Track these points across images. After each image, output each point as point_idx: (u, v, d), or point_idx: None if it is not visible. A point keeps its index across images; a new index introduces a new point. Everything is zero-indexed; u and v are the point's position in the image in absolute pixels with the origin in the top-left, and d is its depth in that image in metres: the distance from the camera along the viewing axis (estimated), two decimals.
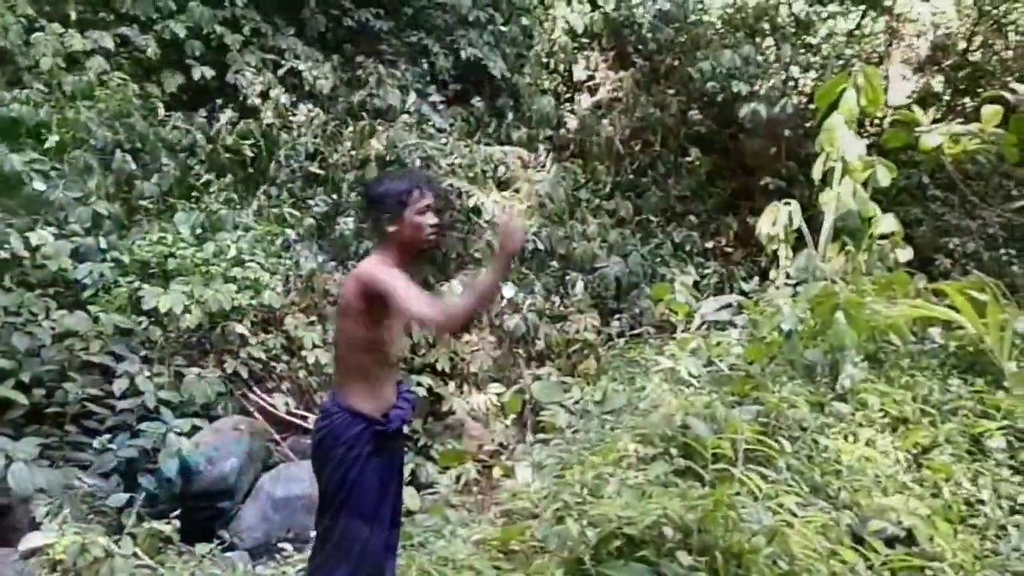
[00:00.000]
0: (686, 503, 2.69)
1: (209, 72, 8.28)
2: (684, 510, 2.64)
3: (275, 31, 9.10)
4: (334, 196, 8.06)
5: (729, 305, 6.13)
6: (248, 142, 7.97)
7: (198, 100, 8.49)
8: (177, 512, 4.56)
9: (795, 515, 3.00)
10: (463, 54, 9.96)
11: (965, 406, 4.43)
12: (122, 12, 8.12)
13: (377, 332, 2.76)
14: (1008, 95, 5.27)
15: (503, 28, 10.57)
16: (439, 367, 7.51)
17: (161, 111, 7.87)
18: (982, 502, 3.86)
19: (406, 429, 6.45)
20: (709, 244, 10.75)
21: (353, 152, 8.37)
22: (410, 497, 5.35)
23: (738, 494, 3.02)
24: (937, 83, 12.62)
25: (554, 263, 9.14)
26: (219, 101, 8.42)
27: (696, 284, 8.19)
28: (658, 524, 2.59)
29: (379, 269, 2.73)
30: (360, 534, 2.75)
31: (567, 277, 9.06)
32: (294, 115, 8.69)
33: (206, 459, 5.30)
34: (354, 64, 9.53)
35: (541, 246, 8.87)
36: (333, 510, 2.80)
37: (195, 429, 5.37)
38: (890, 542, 3.27)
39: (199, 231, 6.79)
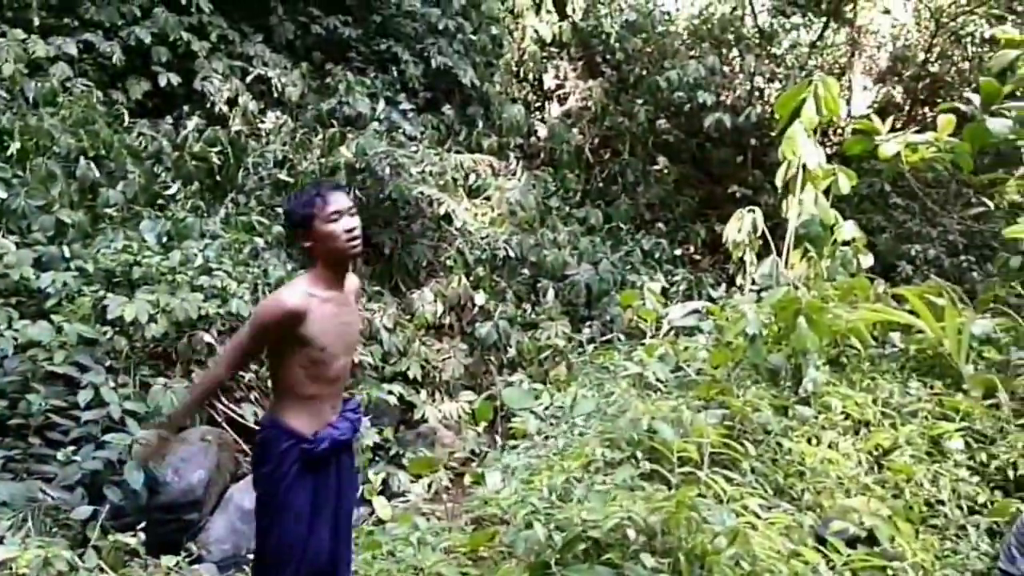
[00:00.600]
0: (650, 506, 2.73)
1: (176, 79, 8.21)
2: (648, 513, 2.68)
3: (243, 38, 9.06)
4: None
5: (696, 311, 6.21)
6: (215, 149, 7.90)
7: (164, 107, 8.42)
8: (143, 524, 4.51)
9: (759, 517, 3.04)
10: (433, 62, 9.99)
11: (924, 408, 4.52)
12: (86, 18, 8.03)
13: (304, 352, 2.66)
14: (962, 105, 5.41)
15: (473, 37, 10.62)
16: (411, 375, 7.49)
17: (126, 118, 7.78)
18: (942, 503, 3.95)
19: (377, 439, 6.43)
20: (678, 251, 10.86)
21: (322, 160, 8.34)
22: (381, 507, 5.36)
23: (703, 497, 3.07)
24: (898, 93, 12.91)
25: (525, 271, 9.18)
26: (186, 108, 8.35)
27: (665, 291, 8.28)
28: (622, 527, 2.63)
29: (269, 308, 2.69)
30: (292, 554, 2.68)
31: (538, 285, 9.11)
32: (262, 122, 8.65)
33: (173, 470, 5.22)
34: (323, 71, 9.51)
35: (512, 254, 8.91)
36: (264, 527, 2.74)
37: None
38: (852, 542, 3.34)
39: (165, 239, 6.71)
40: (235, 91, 8.47)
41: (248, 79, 8.71)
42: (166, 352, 6.06)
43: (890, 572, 3.18)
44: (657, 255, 10.35)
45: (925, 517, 3.87)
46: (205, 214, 7.39)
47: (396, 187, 8.20)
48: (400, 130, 9.14)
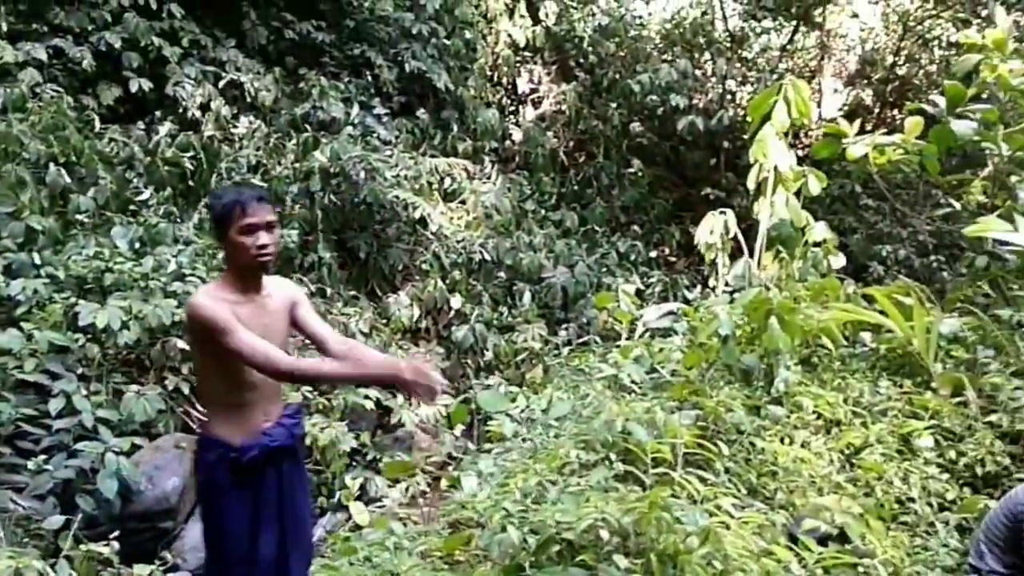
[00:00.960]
0: (624, 507, 2.75)
1: (147, 84, 8.14)
2: (622, 514, 2.70)
3: (215, 43, 8.99)
4: (277, 209, 7.97)
5: (671, 312, 6.26)
6: (188, 155, 7.84)
7: (136, 113, 8.34)
8: (116, 534, 4.46)
9: (732, 516, 3.07)
10: (407, 67, 9.99)
11: (894, 407, 4.57)
12: (55, 23, 7.93)
13: (220, 357, 2.55)
14: (929, 107, 5.50)
15: (446, 41, 10.63)
16: None
17: (97, 124, 7.69)
18: (912, 500, 4.00)
19: (354, 444, 6.38)
20: (653, 253, 10.93)
21: (296, 164, 8.31)
22: (358, 512, 5.35)
23: (677, 497, 3.10)
24: (867, 96, 13.10)
25: (501, 274, 9.20)
26: (158, 113, 8.28)
27: (640, 293, 8.34)
28: (595, 528, 2.64)
29: (209, 306, 2.52)
30: (236, 565, 2.62)
31: (514, 288, 9.13)
32: (235, 127, 8.59)
33: (146, 478, 5.17)
34: (296, 76, 9.47)
35: (488, 257, 8.92)
36: (207, 538, 2.69)
37: (135, 448, 5.25)
38: (823, 540, 3.38)
39: (137, 245, 6.65)
40: (207, 96, 8.41)
41: (221, 84, 8.65)
42: (139, 359, 6.00)
43: (861, 569, 3.22)
44: (632, 257, 10.40)
45: (896, 514, 3.92)
46: (178, 220, 7.33)
47: (371, 191, 8.18)
48: (374, 134, 9.13)
